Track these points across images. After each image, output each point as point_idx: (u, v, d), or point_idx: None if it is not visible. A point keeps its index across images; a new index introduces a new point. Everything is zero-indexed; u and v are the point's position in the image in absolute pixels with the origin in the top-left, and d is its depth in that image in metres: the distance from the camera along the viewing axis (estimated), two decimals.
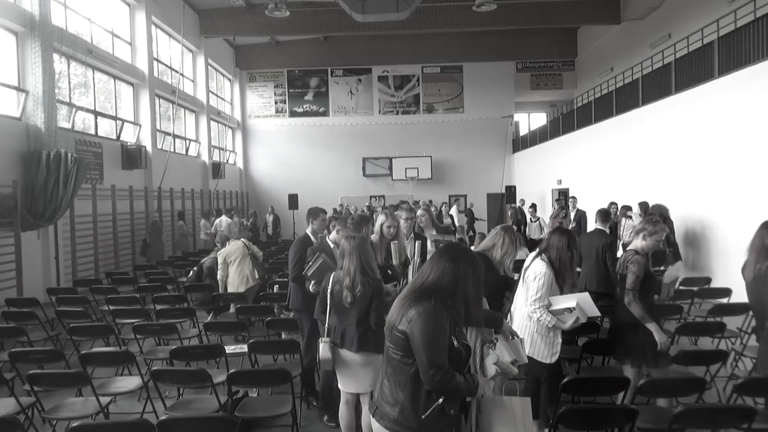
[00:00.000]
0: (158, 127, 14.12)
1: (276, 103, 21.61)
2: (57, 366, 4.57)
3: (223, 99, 20.17)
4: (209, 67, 18.17)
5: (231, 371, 3.76)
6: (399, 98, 21.64)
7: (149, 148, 13.13)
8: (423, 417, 2.18)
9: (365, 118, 21.55)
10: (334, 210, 15.36)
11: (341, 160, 21.14)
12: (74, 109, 10.45)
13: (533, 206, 13.24)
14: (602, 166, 13.37)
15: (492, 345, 2.68)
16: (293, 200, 18.12)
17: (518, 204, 16.07)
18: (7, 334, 5.56)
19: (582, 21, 17.84)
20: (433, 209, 13.83)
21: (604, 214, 6.28)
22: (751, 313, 4.77)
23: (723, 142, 8.62)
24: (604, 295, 5.43)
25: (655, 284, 4.09)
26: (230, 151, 20.50)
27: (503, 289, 4.07)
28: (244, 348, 4.60)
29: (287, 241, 15.00)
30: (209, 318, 6.76)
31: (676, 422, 2.90)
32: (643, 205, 9.05)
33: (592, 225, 10.66)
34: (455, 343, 2.22)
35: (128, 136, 12.78)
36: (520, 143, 20.97)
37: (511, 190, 18.00)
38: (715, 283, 6.83)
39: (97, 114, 11.63)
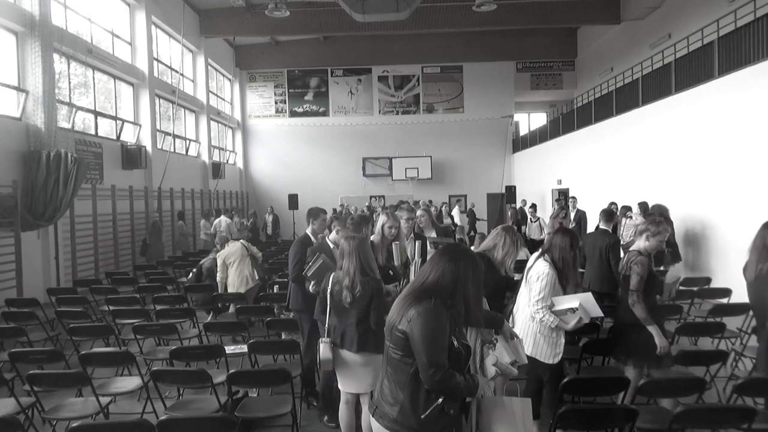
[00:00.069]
0: (158, 127, 14.12)
1: (276, 103, 21.61)
2: (57, 366, 4.57)
3: (223, 99, 20.17)
4: (209, 67, 18.17)
5: (231, 371, 3.76)
6: (399, 98, 21.64)
7: (149, 148, 13.13)
8: (422, 417, 2.18)
9: (365, 118, 21.55)
10: (334, 210, 15.37)
11: (341, 160, 21.14)
12: (74, 109, 10.45)
13: (533, 206, 13.25)
14: (602, 166, 13.37)
15: (492, 345, 2.69)
16: (293, 200, 18.12)
17: (519, 204, 16.07)
18: (7, 335, 5.56)
19: (582, 21, 17.84)
20: (433, 209, 13.84)
21: (607, 214, 6.29)
22: (751, 313, 4.77)
23: (723, 142, 8.62)
24: (608, 295, 5.43)
25: (658, 285, 4.09)
26: (230, 151, 20.50)
27: (504, 289, 4.07)
28: (244, 348, 4.60)
29: (287, 242, 15.01)
30: (209, 318, 6.77)
31: (676, 422, 2.90)
32: (643, 205, 9.05)
33: (592, 225, 10.72)
34: (455, 343, 2.22)
35: (128, 136, 12.78)
36: (520, 143, 20.97)
37: (511, 190, 18.00)
38: (715, 283, 6.82)
39: (97, 114, 11.63)
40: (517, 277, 4.53)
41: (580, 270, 5.24)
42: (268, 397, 4.48)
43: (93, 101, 11.67)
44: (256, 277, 6.97)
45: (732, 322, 5.14)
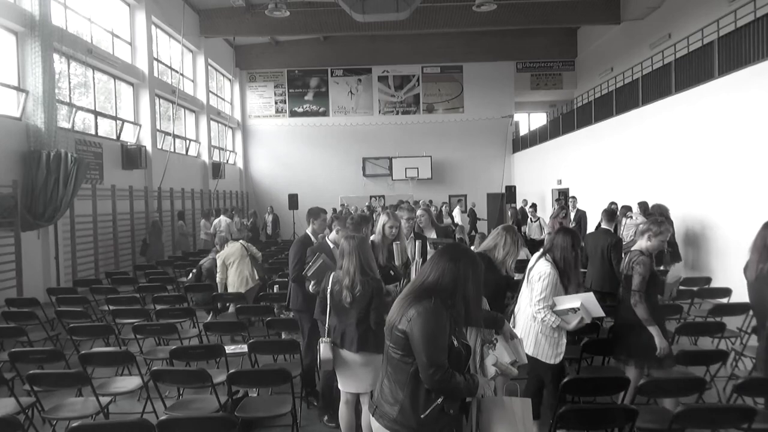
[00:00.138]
0: (158, 127, 14.12)
1: (276, 103, 21.61)
2: (57, 366, 4.57)
3: (223, 99, 20.17)
4: (209, 67, 18.17)
5: (231, 371, 3.76)
6: (399, 98, 21.64)
7: (149, 148, 13.13)
8: (422, 416, 2.19)
9: (365, 118, 21.55)
10: (334, 210, 15.37)
11: (341, 160, 21.14)
12: (74, 109, 10.45)
13: (533, 206, 13.24)
14: (602, 166, 13.37)
15: (492, 345, 2.68)
16: (293, 200, 18.12)
17: (521, 204, 16.06)
18: (7, 334, 5.56)
19: (582, 21, 17.84)
20: (433, 209, 13.84)
21: (609, 214, 6.29)
22: (751, 312, 4.77)
23: (723, 142, 8.62)
24: (609, 295, 5.42)
25: (660, 285, 4.08)
26: (230, 151, 20.50)
27: (505, 289, 4.06)
28: (244, 348, 4.60)
29: (287, 241, 15.01)
30: (209, 318, 6.77)
31: (676, 422, 2.90)
32: (643, 205, 9.05)
33: (592, 225, 10.72)
34: (455, 342, 2.23)
35: (128, 136, 12.78)
36: (520, 143, 20.97)
37: (511, 190, 18.01)
38: (715, 283, 6.83)
39: (97, 114, 11.63)
40: (517, 276, 4.53)
41: (582, 270, 5.25)
42: (268, 397, 4.48)
43: (93, 101, 11.67)
44: (256, 277, 6.97)
45: (732, 322, 5.14)
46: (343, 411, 3.64)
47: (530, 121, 24.36)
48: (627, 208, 9.46)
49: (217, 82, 19.72)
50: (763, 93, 7.66)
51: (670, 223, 8.13)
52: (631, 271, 3.81)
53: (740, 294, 5.20)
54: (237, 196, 20.02)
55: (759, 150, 7.72)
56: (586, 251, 6.07)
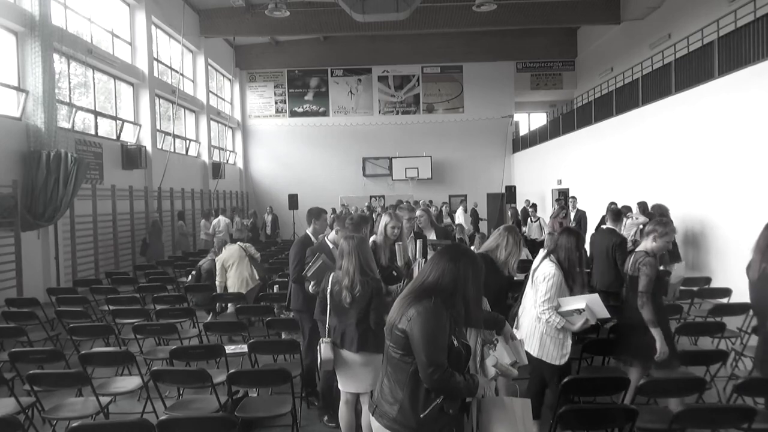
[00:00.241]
0: (158, 127, 14.12)
1: (276, 103, 21.61)
2: (57, 366, 4.57)
3: (223, 99, 20.17)
4: (209, 67, 18.17)
5: (231, 371, 3.76)
6: (399, 98, 21.64)
7: (149, 148, 13.13)
8: (422, 416, 2.19)
9: (365, 118, 21.55)
10: (334, 210, 15.37)
11: (341, 160, 21.14)
12: (74, 109, 10.45)
13: (533, 206, 13.24)
14: (602, 166, 13.37)
15: (492, 346, 2.68)
16: (293, 200, 18.12)
17: (523, 204, 16.04)
18: (7, 334, 5.56)
19: (582, 21, 17.84)
20: (433, 209, 13.83)
21: (614, 214, 6.30)
22: (751, 312, 4.77)
23: (723, 142, 8.62)
24: (614, 294, 5.41)
25: (664, 285, 4.07)
26: (230, 151, 20.50)
27: (507, 290, 4.05)
28: (244, 348, 4.60)
29: (287, 242, 15.01)
30: (209, 318, 6.77)
31: (676, 422, 2.91)
32: (642, 205, 9.05)
33: (592, 225, 10.72)
34: (455, 342, 2.23)
35: (128, 136, 12.78)
36: (520, 143, 20.97)
37: (511, 190, 18.00)
38: (715, 283, 6.83)
39: (97, 114, 11.63)
40: (518, 276, 4.53)
41: (586, 270, 5.23)
42: (268, 397, 4.48)
43: (93, 101, 11.67)
44: (257, 278, 6.96)
45: (732, 322, 5.13)
46: (343, 411, 3.64)
47: (530, 121, 24.36)
48: (627, 208, 9.46)
49: (217, 82, 19.72)
50: (763, 93, 7.66)
51: None
52: (636, 272, 3.77)
53: (740, 294, 5.21)
54: (237, 196, 20.02)
55: (759, 150, 7.72)
56: (591, 251, 6.07)
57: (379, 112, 21.61)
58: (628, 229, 8.81)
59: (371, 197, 19.87)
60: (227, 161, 19.44)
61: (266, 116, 21.62)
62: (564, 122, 16.54)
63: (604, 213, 9.76)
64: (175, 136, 14.89)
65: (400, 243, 4.35)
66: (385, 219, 4.47)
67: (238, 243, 7.23)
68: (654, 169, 10.79)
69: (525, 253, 6.81)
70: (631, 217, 9.06)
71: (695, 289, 6.38)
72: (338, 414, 3.71)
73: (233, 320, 6.02)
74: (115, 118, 12.41)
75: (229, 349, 4.63)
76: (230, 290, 6.83)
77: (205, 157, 17.39)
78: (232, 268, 6.86)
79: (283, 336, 5.53)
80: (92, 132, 11.33)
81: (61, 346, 5.85)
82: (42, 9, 8.73)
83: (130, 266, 11.51)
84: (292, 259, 4.65)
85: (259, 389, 4.69)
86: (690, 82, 9.69)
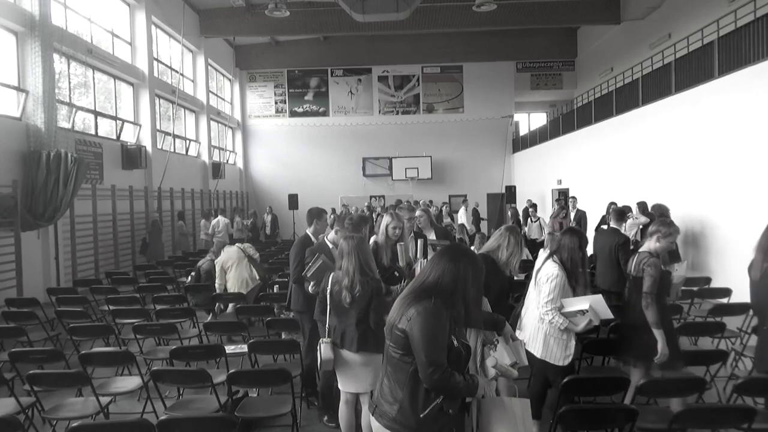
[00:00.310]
0: (158, 127, 14.12)
1: (276, 103, 21.61)
2: (57, 366, 4.57)
3: (223, 99, 20.17)
4: (209, 67, 18.17)
5: (231, 371, 3.76)
6: (399, 98, 21.64)
7: (149, 148, 13.13)
8: (421, 416, 2.19)
9: (365, 118, 21.55)
10: (333, 210, 15.37)
11: (341, 160, 21.14)
12: (74, 109, 10.45)
13: (533, 206, 13.24)
14: (602, 166, 13.37)
15: (493, 346, 2.68)
16: (293, 200, 18.13)
17: (525, 204, 16.04)
18: (7, 334, 5.56)
19: (582, 21, 17.83)
20: (433, 209, 13.82)
21: (618, 213, 6.30)
22: (751, 312, 4.77)
23: (723, 143, 8.62)
24: (617, 294, 5.42)
25: (668, 286, 4.06)
26: (230, 151, 20.50)
27: (509, 290, 4.05)
28: (244, 348, 4.60)
29: (287, 242, 15.01)
30: (209, 318, 6.77)
31: (676, 422, 2.91)
32: (642, 205, 9.05)
33: (592, 225, 10.72)
34: (455, 342, 2.23)
35: (128, 136, 12.78)
36: (520, 143, 20.96)
37: (511, 190, 18.00)
38: (715, 283, 6.83)
39: (97, 114, 11.63)
40: (518, 276, 4.53)
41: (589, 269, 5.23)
42: (268, 397, 4.48)
43: (93, 101, 11.67)
44: (257, 278, 6.96)
45: (732, 322, 5.14)
46: (343, 411, 3.64)
47: (530, 121, 24.35)
48: (627, 208, 9.46)
49: (217, 82, 19.72)
50: (763, 93, 7.66)
51: None
52: (641, 273, 3.74)
53: (740, 294, 5.21)
54: (237, 196, 20.02)
55: (759, 150, 7.72)
56: (594, 250, 6.08)
57: (379, 112, 21.61)
58: (628, 229, 8.82)
59: (371, 197, 19.86)
60: (227, 161, 19.44)
61: (266, 116, 21.62)
62: (564, 122, 16.53)
63: (604, 213, 9.80)
64: (175, 136, 14.89)
65: (402, 243, 4.34)
66: (386, 219, 4.46)
67: (237, 244, 7.23)
68: (654, 169, 10.78)
69: (525, 253, 6.81)
70: (632, 217, 9.07)
71: (695, 289, 6.38)
72: (338, 414, 3.71)
73: (233, 320, 6.02)
74: (115, 118, 12.41)
75: (229, 349, 4.63)
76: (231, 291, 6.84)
77: (205, 157, 17.40)
78: (232, 270, 6.86)
79: (283, 336, 5.53)
80: (92, 132, 11.33)
81: (61, 346, 5.85)
82: (42, 9, 8.73)
83: (130, 266, 11.51)
84: (292, 260, 4.65)
85: (259, 389, 4.69)
86: (690, 82, 9.69)
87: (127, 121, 12.77)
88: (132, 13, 13.34)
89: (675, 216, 8.70)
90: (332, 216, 10.63)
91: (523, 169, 20.43)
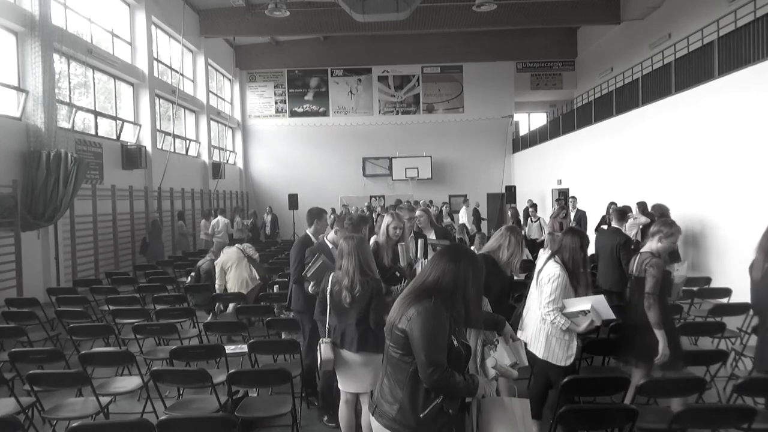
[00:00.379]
0: (158, 127, 14.12)
1: (276, 103, 21.61)
2: (57, 366, 4.57)
3: (223, 99, 20.17)
4: (209, 67, 18.17)
5: (231, 371, 3.76)
6: (399, 98, 21.64)
7: (149, 148, 13.13)
8: (421, 416, 2.19)
9: (365, 118, 21.55)
10: (333, 210, 15.36)
11: (341, 160, 21.14)
12: (74, 109, 10.45)
13: (534, 206, 13.24)
14: (602, 166, 13.37)
15: (493, 346, 2.68)
16: (293, 200, 18.13)
17: (526, 205, 16.03)
18: (7, 334, 5.56)
19: (582, 21, 17.84)
20: (433, 209, 13.82)
21: (620, 213, 6.30)
22: (751, 312, 4.77)
23: (723, 143, 8.62)
24: (618, 294, 5.42)
25: (670, 286, 4.05)
26: (230, 151, 20.50)
27: (509, 291, 4.04)
28: (244, 348, 4.60)
29: (287, 242, 15.01)
30: (209, 318, 6.77)
31: (676, 422, 2.90)
32: (642, 205, 9.05)
33: (592, 225, 10.72)
34: (455, 342, 2.23)
35: (128, 136, 12.78)
36: (520, 143, 20.96)
37: (511, 190, 17.99)
38: (715, 283, 6.82)
39: (97, 114, 11.63)
40: (518, 276, 4.53)
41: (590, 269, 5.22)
42: (268, 397, 4.48)
43: (93, 101, 11.67)
44: (257, 278, 6.96)
45: (732, 322, 5.14)
46: (343, 411, 3.64)
47: (530, 121, 24.35)
48: (627, 208, 9.45)
49: (217, 82, 19.72)
50: (763, 93, 7.66)
51: None
52: (643, 273, 3.72)
53: (740, 294, 5.21)
54: (237, 196, 20.02)
55: (759, 150, 7.72)
56: (596, 250, 6.07)
57: (379, 112, 21.61)
58: (628, 229, 8.82)
59: (371, 197, 19.86)
60: (227, 161, 19.44)
61: (266, 116, 21.62)
62: (564, 122, 16.53)
63: (604, 213, 9.80)
64: (175, 136, 14.89)
65: (403, 243, 4.34)
66: (387, 219, 4.46)
67: (236, 245, 7.23)
68: (654, 169, 10.78)
69: (525, 254, 6.81)
70: (632, 217, 9.06)
71: (695, 289, 6.38)
72: (338, 414, 3.71)
73: (233, 320, 6.02)
74: (115, 118, 12.41)
75: (229, 349, 4.63)
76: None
77: (205, 157, 17.40)
78: (231, 270, 6.86)
79: (283, 336, 5.53)
80: (92, 132, 11.33)
81: (61, 346, 5.85)
82: (42, 9, 8.73)
83: (130, 266, 11.51)
84: (292, 260, 4.65)
85: (259, 389, 4.69)
86: (690, 82, 9.69)
87: (127, 121, 12.77)
88: (132, 13, 13.34)
89: (675, 216, 8.69)
90: (332, 216, 10.62)
91: (523, 169, 20.43)
